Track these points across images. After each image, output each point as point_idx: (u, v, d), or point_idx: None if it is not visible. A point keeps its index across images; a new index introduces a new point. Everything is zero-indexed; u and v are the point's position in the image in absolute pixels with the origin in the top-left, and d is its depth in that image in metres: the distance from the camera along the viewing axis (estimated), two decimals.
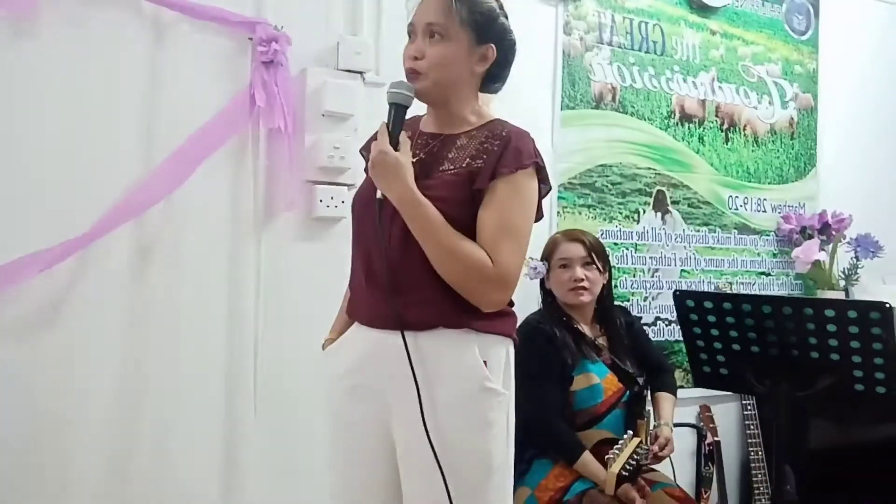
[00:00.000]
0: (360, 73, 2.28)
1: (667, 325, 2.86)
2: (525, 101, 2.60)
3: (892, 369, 1.75)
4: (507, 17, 1.56)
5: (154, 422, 2.01)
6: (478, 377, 1.44)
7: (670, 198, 2.89)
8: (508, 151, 1.46)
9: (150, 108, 2.01)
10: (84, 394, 1.93)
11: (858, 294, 3.11)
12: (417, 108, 1.55)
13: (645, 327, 2.78)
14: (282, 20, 2.14)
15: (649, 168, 2.84)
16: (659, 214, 2.87)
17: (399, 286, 1.44)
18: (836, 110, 3.31)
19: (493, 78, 1.59)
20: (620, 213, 2.78)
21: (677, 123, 2.91)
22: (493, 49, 1.53)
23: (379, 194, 1.44)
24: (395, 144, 1.44)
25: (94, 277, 1.94)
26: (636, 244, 2.81)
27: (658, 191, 2.86)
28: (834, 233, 3.06)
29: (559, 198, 2.66)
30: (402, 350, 1.41)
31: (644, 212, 2.83)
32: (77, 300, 1.93)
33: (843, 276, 3.06)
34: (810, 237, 3.06)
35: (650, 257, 2.85)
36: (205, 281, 2.08)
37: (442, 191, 1.45)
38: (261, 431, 2.12)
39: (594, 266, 2.31)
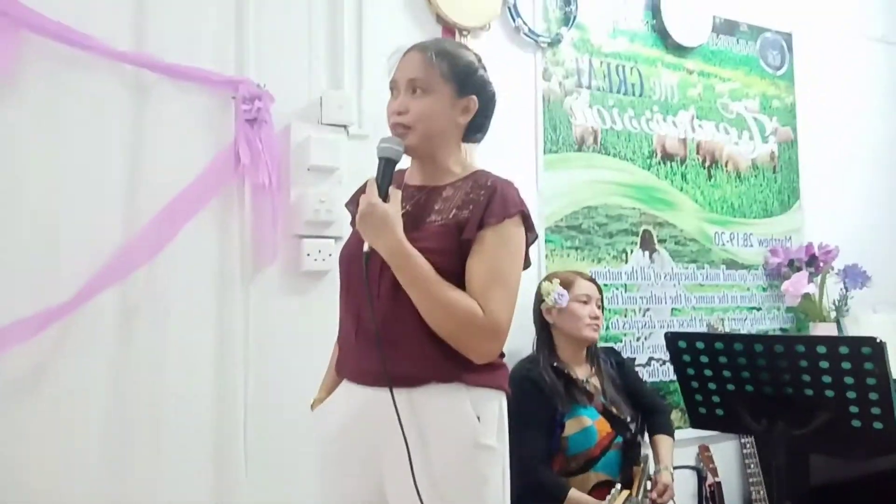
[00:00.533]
0: (344, 126, 2.29)
1: (661, 365, 2.84)
2: (508, 147, 2.63)
3: (888, 404, 1.74)
4: (485, 70, 1.61)
5: (142, 488, 1.96)
6: (472, 434, 1.43)
7: (657, 236, 2.90)
8: (494, 201, 1.47)
9: (133, 170, 2.01)
10: (68, 463, 1.89)
11: (850, 325, 3.12)
12: (400, 162, 1.55)
13: (639, 368, 2.78)
14: (264, 78, 2.16)
15: (634, 208, 2.86)
16: (647, 253, 2.87)
17: (389, 340, 1.42)
18: (815, 142, 3.36)
19: (476, 128, 1.62)
20: (608, 254, 2.79)
21: (659, 162, 2.94)
22: (475, 100, 1.56)
23: (366, 247, 1.44)
24: (385, 197, 1.45)
25: (77, 343, 1.92)
26: (626, 284, 2.81)
27: (644, 230, 2.87)
28: (822, 264, 3.07)
29: (546, 241, 2.67)
30: (390, 408, 1.39)
31: (632, 251, 2.84)
32: (60, 367, 1.90)
33: (833, 308, 3.07)
34: (798, 270, 3.07)
35: (640, 297, 2.85)
36: (192, 341, 2.05)
37: (430, 242, 1.45)
38: (252, 492, 2.08)
39: (601, 309, 2.39)
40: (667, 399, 2.78)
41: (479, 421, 1.44)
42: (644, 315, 2.85)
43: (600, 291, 2.42)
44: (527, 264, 1.55)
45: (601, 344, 2.49)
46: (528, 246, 1.54)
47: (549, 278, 2.39)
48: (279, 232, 2.14)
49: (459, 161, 1.59)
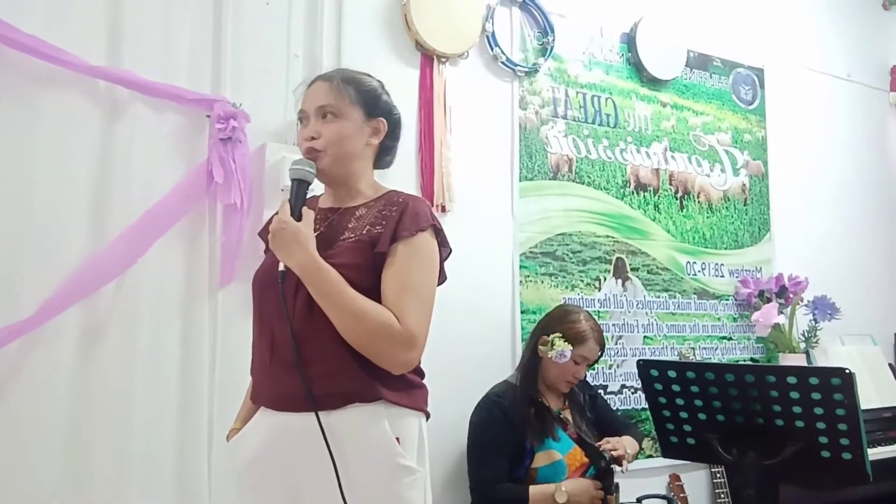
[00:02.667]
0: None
1: (633, 393, 2.84)
2: (485, 173, 2.65)
3: (856, 434, 1.74)
4: (389, 96, 1.66)
5: None
6: (390, 454, 1.42)
7: (630, 265, 2.92)
8: (406, 215, 1.51)
9: (103, 187, 1.98)
10: (27, 485, 1.83)
11: (819, 355, 3.15)
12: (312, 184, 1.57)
13: (611, 395, 2.78)
14: (240, 97, 2.15)
15: (608, 236, 2.88)
16: (619, 281, 2.89)
17: (306, 359, 1.42)
18: (785, 176, 3.42)
19: (386, 151, 1.66)
20: (582, 281, 2.80)
21: (633, 192, 2.97)
22: (384, 122, 1.61)
23: (282, 266, 1.46)
24: (298, 217, 1.47)
25: (39, 360, 1.86)
26: (599, 311, 2.81)
27: (617, 258, 2.89)
28: (791, 296, 3.11)
29: (521, 267, 2.67)
30: (309, 433, 1.38)
31: (605, 279, 2.85)
32: (21, 386, 1.85)
33: (802, 339, 3.11)
34: (768, 301, 3.10)
35: (613, 324, 2.85)
36: (158, 361, 2.01)
37: (344, 258, 1.47)
38: None
39: (591, 367, 2.42)
40: (638, 427, 2.77)
41: (399, 442, 1.43)
42: (616, 343, 2.85)
43: (601, 354, 2.39)
44: (442, 279, 1.58)
45: None
46: (442, 261, 1.58)
47: (564, 330, 2.30)
48: (241, 253, 2.10)
49: (371, 183, 1.63)
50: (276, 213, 1.51)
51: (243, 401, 1.64)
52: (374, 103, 1.60)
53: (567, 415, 2.34)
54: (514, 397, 2.27)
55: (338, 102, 1.55)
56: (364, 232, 1.51)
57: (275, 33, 2.29)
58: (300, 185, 1.50)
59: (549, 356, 2.27)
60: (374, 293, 1.46)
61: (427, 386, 1.57)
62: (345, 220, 1.56)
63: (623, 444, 2.27)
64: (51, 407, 1.87)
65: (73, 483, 1.88)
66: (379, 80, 1.66)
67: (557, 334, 2.28)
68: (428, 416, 1.54)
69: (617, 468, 2.24)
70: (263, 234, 1.67)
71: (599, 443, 2.26)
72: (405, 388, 1.48)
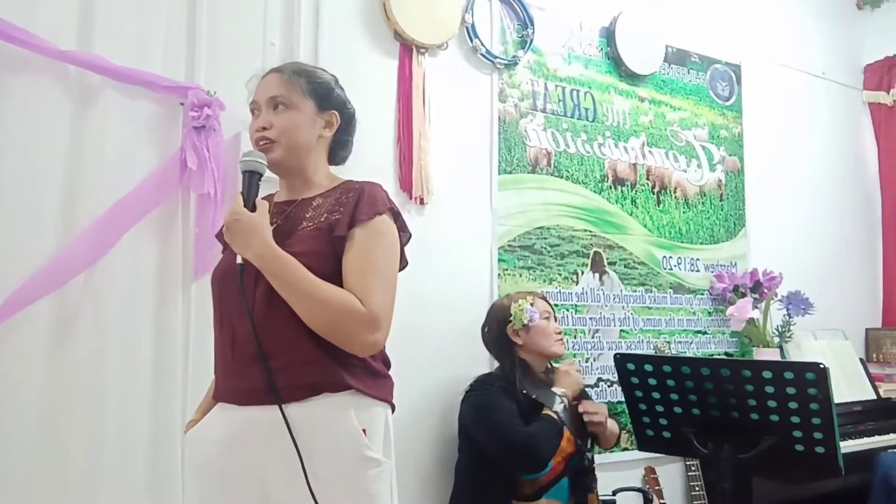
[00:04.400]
0: None
1: (609, 386, 2.85)
2: (464, 165, 2.64)
3: (829, 429, 1.76)
4: (342, 90, 1.65)
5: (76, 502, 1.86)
6: (357, 445, 1.42)
7: (607, 259, 2.92)
8: (363, 200, 1.50)
9: (74, 176, 1.93)
10: (1, 475, 1.78)
11: (792, 350, 3.19)
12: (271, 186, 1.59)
13: (587, 388, 2.77)
14: (215, 85, 2.11)
15: (586, 230, 2.88)
16: (597, 275, 2.89)
17: (269, 352, 1.41)
18: (761, 172, 3.45)
19: (340, 146, 1.65)
20: (559, 275, 2.79)
21: (610, 187, 2.97)
22: (337, 115, 1.61)
23: (239, 259, 1.44)
24: (252, 209, 1.45)
25: (10, 353, 1.82)
26: (576, 305, 2.82)
27: (595, 252, 2.89)
28: (766, 291, 3.14)
29: (500, 260, 2.66)
30: (273, 426, 1.37)
31: (582, 273, 2.85)
32: None
33: (776, 334, 3.13)
34: (743, 296, 3.12)
35: (590, 318, 2.86)
36: (131, 352, 1.97)
37: (302, 245, 1.46)
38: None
39: None
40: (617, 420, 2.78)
41: (365, 434, 1.43)
42: (593, 336, 2.86)
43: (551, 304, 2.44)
44: (403, 264, 1.58)
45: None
46: (403, 245, 1.58)
47: (514, 299, 2.35)
48: (215, 243, 2.05)
49: (326, 174, 1.62)
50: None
51: (206, 394, 1.63)
52: (326, 96, 1.59)
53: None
54: (505, 382, 2.26)
55: (289, 93, 1.54)
56: (322, 220, 1.51)
57: (251, 20, 2.25)
58: (251, 177, 1.48)
59: (525, 320, 2.28)
60: (334, 279, 1.45)
61: (393, 378, 1.57)
62: (302, 211, 1.55)
63: (602, 410, 2.31)
64: (22, 398, 1.83)
65: (45, 473, 1.84)
66: (333, 75, 1.66)
67: (515, 304, 2.32)
68: (393, 407, 1.54)
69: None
70: (220, 235, 1.65)
71: (583, 404, 2.28)
72: (371, 377, 1.48)
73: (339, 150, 1.65)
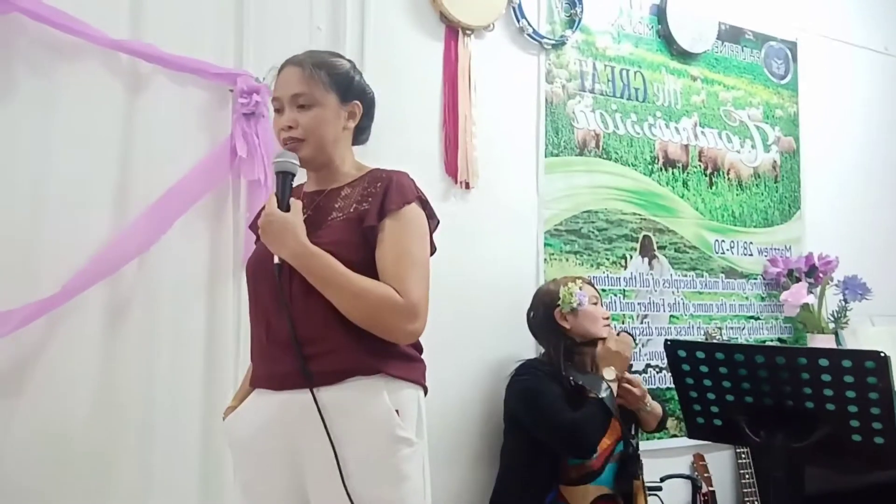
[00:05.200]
0: None
1: (658, 373, 2.81)
2: (510, 148, 2.61)
3: (890, 419, 1.70)
4: (361, 76, 1.65)
5: (128, 486, 1.92)
6: (389, 425, 1.43)
7: (657, 243, 2.87)
8: (392, 190, 1.52)
9: (126, 163, 1.97)
10: (53, 460, 1.84)
11: (848, 336, 3.10)
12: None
13: (636, 374, 2.74)
14: (262, 71, 2.10)
15: (635, 213, 2.83)
16: (646, 260, 2.84)
17: (304, 340, 1.44)
18: (817, 152, 3.33)
19: (361, 130, 1.66)
20: (607, 259, 2.76)
21: (661, 169, 2.91)
22: (359, 105, 1.61)
23: (276, 259, 1.46)
24: (286, 209, 1.47)
25: (64, 338, 1.87)
26: (624, 290, 2.78)
27: (644, 236, 2.84)
28: (821, 275, 3.05)
29: (546, 244, 2.64)
30: (307, 409, 1.40)
31: (631, 257, 2.81)
32: (45, 365, 1.85)
33: (832, 319, 3.04)
34: (797, 280, 3.04)
35: (638, 303, 2.82)
36: (182, 337, 2.01)
37: (334, 236, 1.48)
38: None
39: None
40: (664, 407, 2.74)
41: (399, 415, 1.45)
42: (642, 322, 2.82)
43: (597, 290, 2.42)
44: (432, 250, 1.58)
45: None
46: (431, 232, 1.58)
47: (563, 283, 2.32)
48: None
49: (353, 163, 1.63)
50: (263, 207, 1.52)
51: (241, 382, 1.67)
52: (347, 87, 1.59)
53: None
54: (550, 368, 2.25)
55: (312, 90, 1.54)
56: (352, 210, 1.53)
57: (298, 6, 2.25)
58: (285, 178, 1.50)
59: (574, 304, 2.25)
60: (365, 268, 1.47)
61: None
62: (331, 201, 1.57)
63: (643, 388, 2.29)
64: (76, 383, 1.88)
65: (97, 459, 1.89)
66: (350, 61, 1.66)
67: (564, 288, 2.29)
68: (426, 390, 1.56)
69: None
70: (253, 226, 1.68)
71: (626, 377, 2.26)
72: (404, 361, 1.50)
73: (359, 135, 1.67)
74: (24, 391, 1.83)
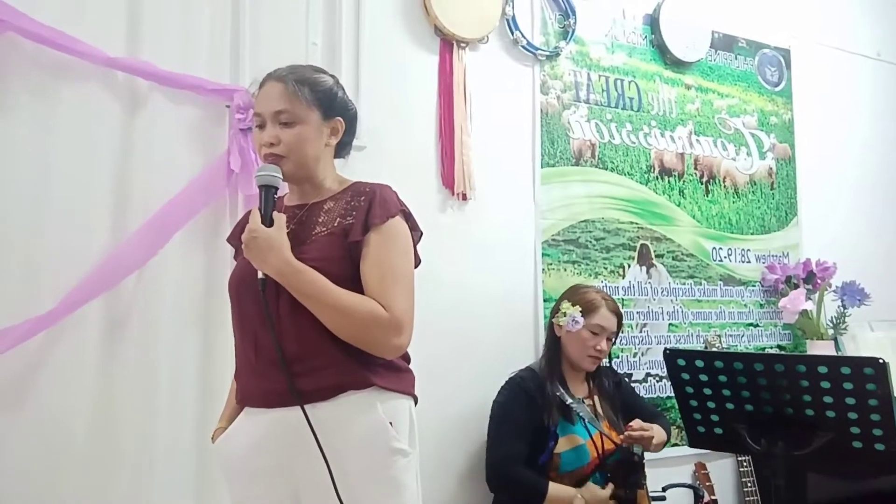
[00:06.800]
0: None
1: (658, 381, 2.81)
2: (506, 160, 2.62)
3: (890, 425, 1.70)
4: (343, 91, 1.64)
5: (127, 502, 1.91)
6: (384, 438, 1.44)
7: (654, 251, 2.87)
8: (376, 204, 1.52)
9: (123, 179, 1.97)
10: (52, 476, 1.84)
11: (847, 342, 3.10)
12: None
13: (636, 384, 2.75)
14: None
15: (632, 222, 2.83)
16: (644, 268, 2.85)
17: (294, 356, 1.44)
18: (813, 158, 3.35)
19: (343, 145, 1.66)
20: (605, 269, 2.76)
21: (657, 177, 2.92)
22: (342, 122, 1.61)
23: (260, 274, 1.45)
24: (269, 224, 1.47)
25: (62, 353, 1.87)
26: (623, 299, 2.78)
27: (642, 245, 2.85)
28: (819, 281, 3.05)
29: (544, 255, 2.64)
30: (300, 427, 1.39)
31: (629, 266, 2.81)
32: (44, 378, 1.85)
33: (831, 325, 3.04)
34: (796, 286, 3.04)
35: (637, 312, 2.82)
36: (179, 353, 2.01)
37: (319, 251, 1.48)
38: None
39: (612, 341, 2.35)
40: (666, 417, 2.74)
41: (392, 426, 1.45)
42: (641, 331, 2.82)
43: (619, 325, 2.35)
44: (417, 262, 1.59)
45: None
46: (415, 244, 1.59)
47: (574, 299, 2.31)
48: None
49: (335, 177, 1.64)
50: (242, 220, 1.53)
51: (227, 401, 1.66)
52: (330, 103, 1.59)
53: (589, 402, 2.32)
54: (538, 381, 2.25)
55: (294, 107, 1.53)
56: (336, 224, 1.53)
57: (293, 21, 2.26)
58: (268, 192, 1.49)
59: (562, 324, 2.27)
60: (351, 282, 1.48)
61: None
62: (314, 216, 1.57)
63: (653, 429, 2.23)
64: (75, 398, 1.88)
65: (97, 473, 1.89)
66: (333, 76, 1.65)
67: (568, 303, 2.29)
68: (416, 400, 1.57)
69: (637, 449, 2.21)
70: (232, 239, 1.69)
71: (629, 424, 2.22)
72: (394, 373, 1.51)
73: (340, 149, 1.67)
74: (23, 406, 1.83)
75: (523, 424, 2.20)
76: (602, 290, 2.40)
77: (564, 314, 2.27)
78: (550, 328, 2.36)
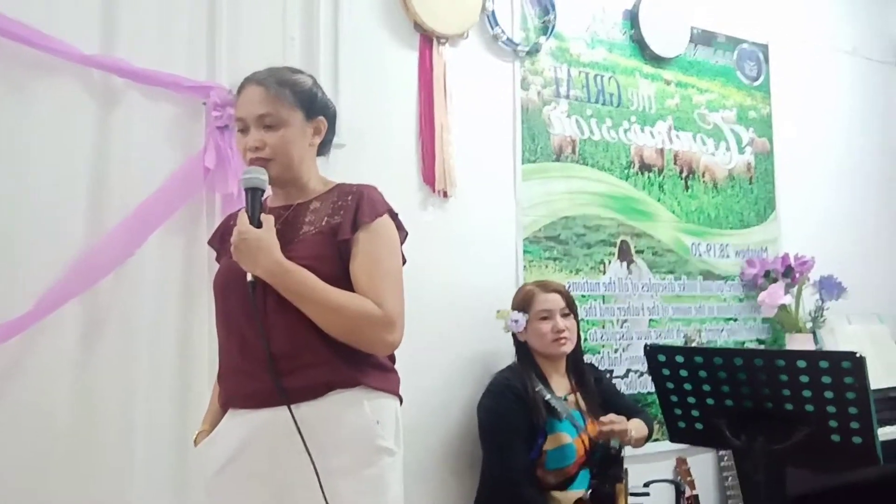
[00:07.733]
0: None
1: (639, 377, 2.82)
2: (487, 156, 2.61)
3: (867, 418, 1.72)
4: (322, 91, 1.66)
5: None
6: (371, 436, 1.45)
7: (634, 247, 2.88)
8: (363, 203, 1.54)
9: (99, 178, 1.94)
10: (31, 479, 1.82)
11: (826, 335, 3.13)
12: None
13: (617, 379, 2.76)
14: (236, 84, 2.10)
15: (612, 218, 2.84)
16: (624, 264, 2.85)
17: (281, 355, 1.44)
18: (791, 153, 3.37)
19: (324, 144, 1.67)
20: (586, 265, 2.76)
21: (637, 173, 2.93)
22: (324, 121, 1.61)
23: (249, 276, 1.46)
24: (258, 225, 1.47)
25: (39, 355, 1.84)
26: (603, 295, 2.79)
27: (622, 241, 2.86)
28: (798, 275, 3.08)
29: (525, 251, 2.64)
30: (287, 426, 1.39)
31: (609, 262, 2.82)
32: (23, 380, 1.83)
33: (809, 319, 3.08)
34: (775, 281, 3.07)
35: (618, 308, 2.82)
36: (158, 352, 1.99)
37: (308, 250, 1.49)
38: None
39: (571, 315, 2.33)
40: (648, 412, 2.75)
41: (378, 424, 1.47)
42: (622, 326, 2.83)
43: (566, 298, 2.34)
44: (403, 262, 1.60)
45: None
46: (401, 243, 1.61)
47: (512, 305, 2.36)
48: None
49: (319, 178, 1.65)
50: (223, 223, 1.54)
51: (209, 404, 1.65)
52: (311, 103, 1.59)
53: (572, 399, 2.32)
54: (522, 379, 2.26)
55: (278, 110, 1.54)
56: (323, 223, 1.53)
57: (271, 17, 2.24)
58: (255, 193, 1.50)
59: (505, 329, 2.32)
60: (340, 280, 1.48)
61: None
62: (300, 215, 1.57)
63: (625, 421, 2.22)
64: (53, 400, 1.86)
65: (77, 473, 1.86)
66: (311, 76, 1.66)
67: (501, 311, 2.34)
68: (401, 400, 1.58)
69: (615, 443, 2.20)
70: (213, 242, 1.69)
71: (600, 419, 2.21)
72: (381, 372, 1.52)
73: (321, 148, 1.67)
74: (2, 407, 1.81)
75: (520, 427, 2.18)
76: (542, 280, 2.44)
77: (504, 323, 2.32)
78: (513, 336, 2.37)
